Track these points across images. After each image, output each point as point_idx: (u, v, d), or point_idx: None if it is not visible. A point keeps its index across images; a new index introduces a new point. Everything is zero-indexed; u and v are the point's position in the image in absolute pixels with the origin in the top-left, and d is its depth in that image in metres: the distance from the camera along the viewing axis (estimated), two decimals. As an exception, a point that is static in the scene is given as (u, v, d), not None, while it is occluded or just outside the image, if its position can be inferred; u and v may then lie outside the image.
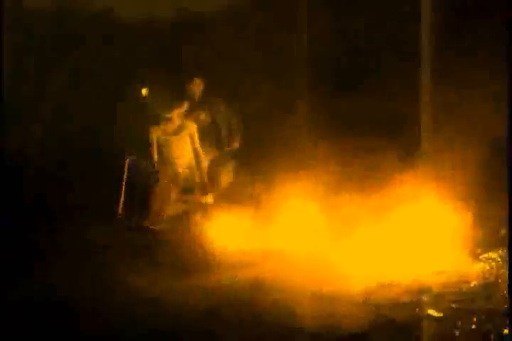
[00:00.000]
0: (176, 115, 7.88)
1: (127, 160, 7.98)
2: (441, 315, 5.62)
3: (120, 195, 7.90)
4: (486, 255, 7.03)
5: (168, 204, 7.86)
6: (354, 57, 8.87)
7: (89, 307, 5.85)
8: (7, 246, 6.93)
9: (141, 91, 8.74)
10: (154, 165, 7.89)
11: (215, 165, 8.26)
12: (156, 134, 7.90)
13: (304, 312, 5.78)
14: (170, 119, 7.85)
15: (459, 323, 5.43)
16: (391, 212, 7.45)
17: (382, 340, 5.30)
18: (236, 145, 8.40)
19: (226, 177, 8.29)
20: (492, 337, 5.19)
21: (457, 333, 5.28)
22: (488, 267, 6.77)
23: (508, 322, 5.26)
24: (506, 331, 5.21)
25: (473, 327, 5.36)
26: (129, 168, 7.98)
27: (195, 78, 8.29)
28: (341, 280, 6.49)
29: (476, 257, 6.98)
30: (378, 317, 5.63)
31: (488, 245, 7.20)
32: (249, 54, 8.95)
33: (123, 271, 6.72)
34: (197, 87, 8.30)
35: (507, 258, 5.93)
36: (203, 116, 8.22)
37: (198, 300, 6.08)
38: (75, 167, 8.66)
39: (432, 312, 5.66)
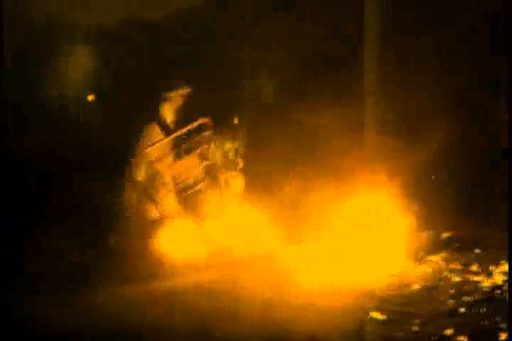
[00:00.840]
0: None
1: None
2: (385, 317, 5.66)
3: None
4: (428, 258, 7.14)
5: None
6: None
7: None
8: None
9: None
10: None
11: None
12: None
13: (250, 317, 5.77)
14: None
15: (403, 326, 5.47)
16: (335, 215, 7.54)
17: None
18: None
19: None
20: (435, 338, 5.26)
21: (401, 335, 5.33)
22: (430, 270, 6.86)
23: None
24: (449, 331, 5.30)
25: (417, 329, 5.42)
26: None
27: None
28: (288, 285, 6.50)
29: (418, 260, 7.08)
30: (324, 321, 5.64)
31: (431, 248, 7.32)
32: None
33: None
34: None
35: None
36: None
37: (143, 307, 6.04)
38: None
39: (376, 315, 5.71)
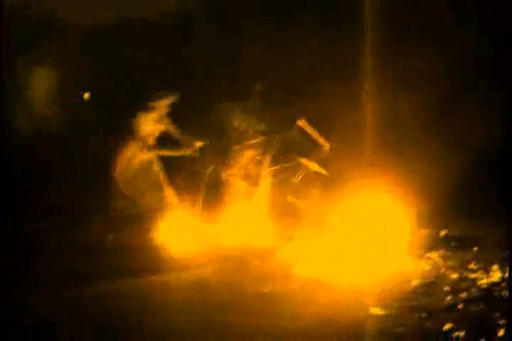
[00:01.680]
0: None
1: None
2: (384, 313, 5.72)
3: None
4: (427, 255, 7.20)
5: None
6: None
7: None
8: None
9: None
10: None
11: None
12: None
13: (249, 312, 5.81)
14: None
15: (402, 321, 5.54)
16: (334, 213, 7.59)
17: (327, 340, 5.36)
18: None
19: None
20: (434, 333, 5.32)
21: (401, 330, 5.39)
22: (428, 267, 6.92)
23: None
24: (448, 326, 5.37)
25: (416, 324, 5.48)
26: None
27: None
28: (285, 281, 6.57)
29: (417, 257, 7.14)
30: (325, 316, 5.68)
31: (429, 245, 7.38)
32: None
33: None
34: None
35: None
36: None
37: (144, 300, 6.10)
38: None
39: (375, 310, 5.76)
